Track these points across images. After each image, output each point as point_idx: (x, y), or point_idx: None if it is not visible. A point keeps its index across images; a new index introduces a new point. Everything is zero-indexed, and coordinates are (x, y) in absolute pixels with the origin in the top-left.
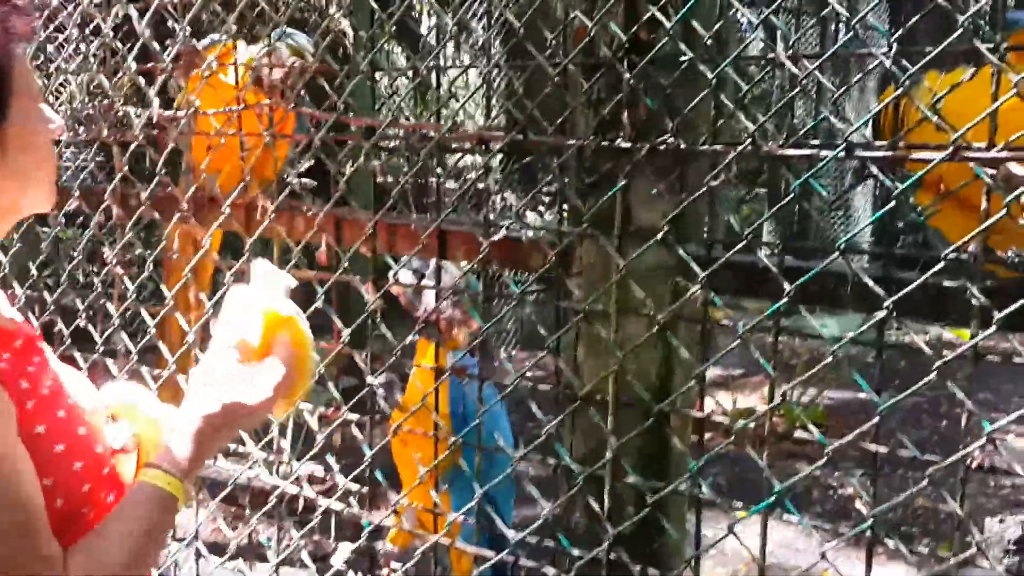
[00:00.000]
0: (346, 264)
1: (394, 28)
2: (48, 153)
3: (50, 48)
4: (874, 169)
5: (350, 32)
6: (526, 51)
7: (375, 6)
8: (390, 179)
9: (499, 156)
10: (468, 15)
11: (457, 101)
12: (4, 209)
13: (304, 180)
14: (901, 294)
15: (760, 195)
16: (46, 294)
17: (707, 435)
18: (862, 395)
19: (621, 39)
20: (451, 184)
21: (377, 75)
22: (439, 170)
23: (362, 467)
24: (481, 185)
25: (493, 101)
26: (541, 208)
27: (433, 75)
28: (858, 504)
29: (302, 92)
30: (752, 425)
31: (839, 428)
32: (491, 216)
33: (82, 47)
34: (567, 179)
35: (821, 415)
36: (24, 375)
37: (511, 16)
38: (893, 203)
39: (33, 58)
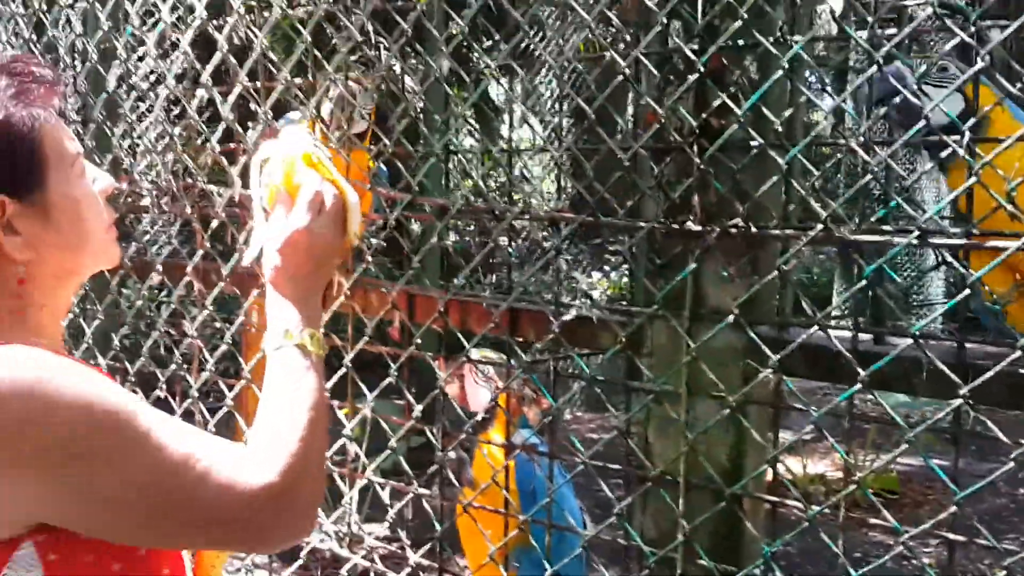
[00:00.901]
0: (418, 340)
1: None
2: (96, 212)
3: (138, 130)
4: (947, 256)
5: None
6: (594, 130)
7: (448, 90)
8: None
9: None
10: (536, 85)
11: (529, 181)
12: (66, 271)
13: (374, 240)
14: (976, 383)
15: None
16: (127, 364)
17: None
18: (935, 460)
19: (691, 124)
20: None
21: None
22: (509, 250)
23: (431, 543)
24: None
25: (563, 181)
26: (607, 267)
27: (503, 154)
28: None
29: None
30: (827, 511)
31: (912, 496)
32: (559, 285)
33: (167, 127)
34: (637, 260)
35: (894, 482)
36: None
37: (581, 101)
38: (967, 291)
39: (124, 136)
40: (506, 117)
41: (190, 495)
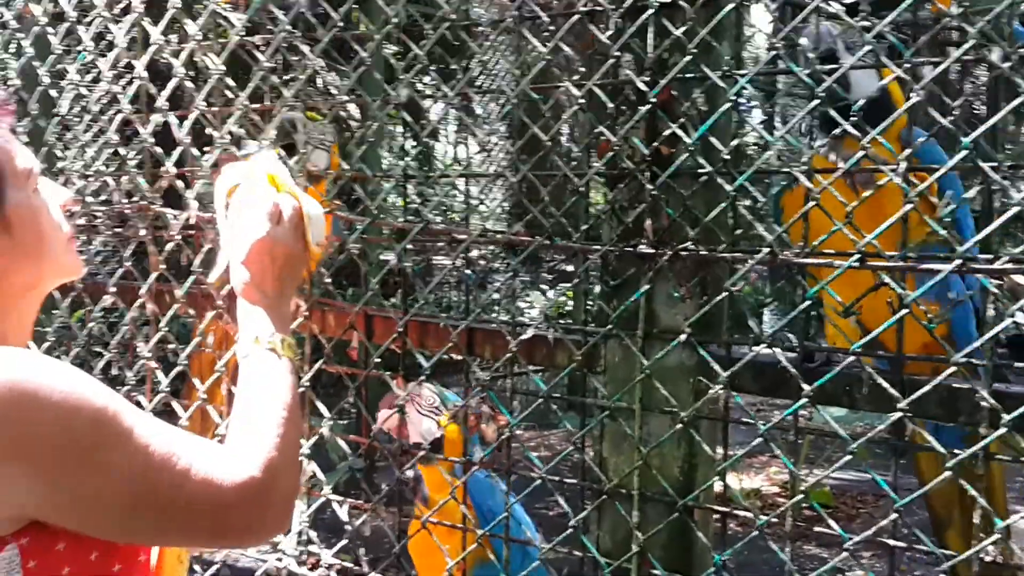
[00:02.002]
0: (376, 360)
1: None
2: (55, 224)
3: (90, 152)
4: (886, 278)
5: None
6: (546, 156)
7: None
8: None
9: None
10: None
11: (484, 204)
12: (27, 284)
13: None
14: (914, 397)
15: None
16: None
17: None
18: (867, 475)
19: (643, 152)
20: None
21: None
22: (468, 272)
23: (389, 560)
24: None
25: (506, 205)
26: (544, 286)
27: (455, 178)
28: None
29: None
30: (775, 520)
31: (846, 510)
32: (513, 304)
33: (121, 151)
34: (581, 281)
35: (828, 496)
36: None
37: (537, 130)
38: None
39: (77, 158)
40: (444, 139)
41: (174, 490)
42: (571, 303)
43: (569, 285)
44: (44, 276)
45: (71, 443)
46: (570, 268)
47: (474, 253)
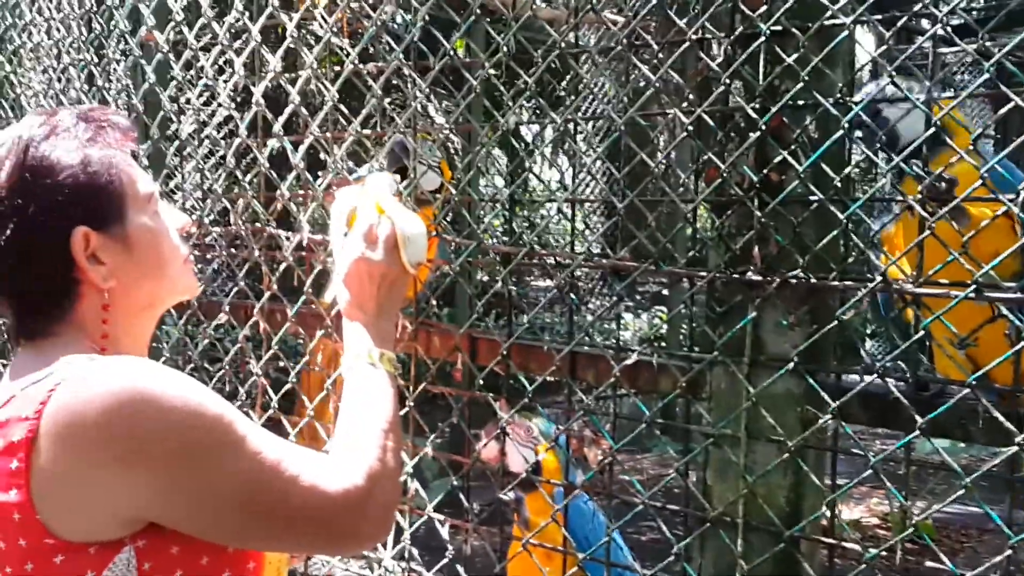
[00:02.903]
0: (480, 382)
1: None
2: (172, 245)
3: (210, 177)
4: (1004, 310)
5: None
6: (638, 175)
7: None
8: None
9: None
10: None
11: (590, 230)
12: (145, 302)
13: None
14: None
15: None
16: None
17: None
18: (971, 507)
19: (752, 179)
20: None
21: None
22: (572, 296)
23: None
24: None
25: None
26: (638, 310)
27: (565, 206)
28: None
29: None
30: (883, 553)
31: (949, 543)
32: (617, 327)
33: (238, 174)
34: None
35: (930, 529)
36: None
37: (644, 156)
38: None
39: (197, 184)
40: (544, 165)
41: (283, 496)
42: (665, 327)
43: (664, 309)
44: (162, 295)
45: (189, 448)
46: (665, 292)
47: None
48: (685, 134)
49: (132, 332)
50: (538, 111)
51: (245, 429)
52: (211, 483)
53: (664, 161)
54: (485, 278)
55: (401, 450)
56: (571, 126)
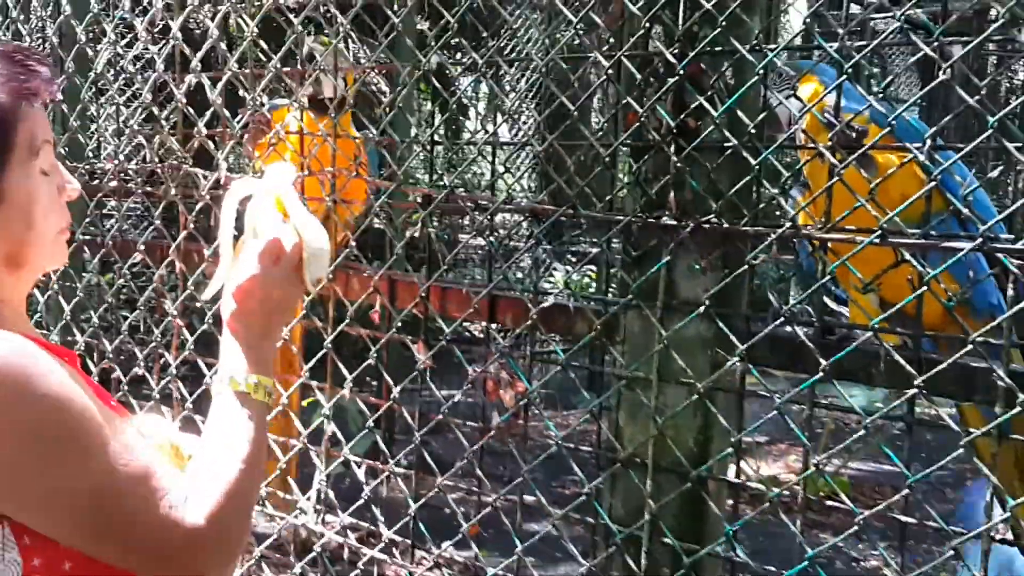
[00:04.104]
0: (399, 324)
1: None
2: (51, 211)
3: (125, 112)
4: (907, 255)
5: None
6: (572, 127)
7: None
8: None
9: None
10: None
11: (510, 174)
12: (14, 262)
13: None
14: (930, 374)
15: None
16: (105, 341)
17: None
18: (886, 467)
19: (670, 125)
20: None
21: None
22: (491, 240)
23: (405, 520)
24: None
25: (533, 176)
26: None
27: (481, 147)
28: (886, 573)
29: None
30: (786, 494)
31: (863, 500)
32: (536, 273)
33: (155, 111)
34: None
35: (845, 486)
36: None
37: (565, 99)
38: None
39: (113, 118)
40: (473, 112)
41: (130, 516)
42: (594, 285)
43: (595, 268)
44: (27, 256)
45: (43, 441)
46: (595, 250)
47: (499, 227)
48: (605, 77)
49: (4, 299)
50: (461, 53)
51: (108, 437)
52: (57, 483)
53: (589, 105)
54: (416, 234)
55: (256, 490)
56: (494, 68)
